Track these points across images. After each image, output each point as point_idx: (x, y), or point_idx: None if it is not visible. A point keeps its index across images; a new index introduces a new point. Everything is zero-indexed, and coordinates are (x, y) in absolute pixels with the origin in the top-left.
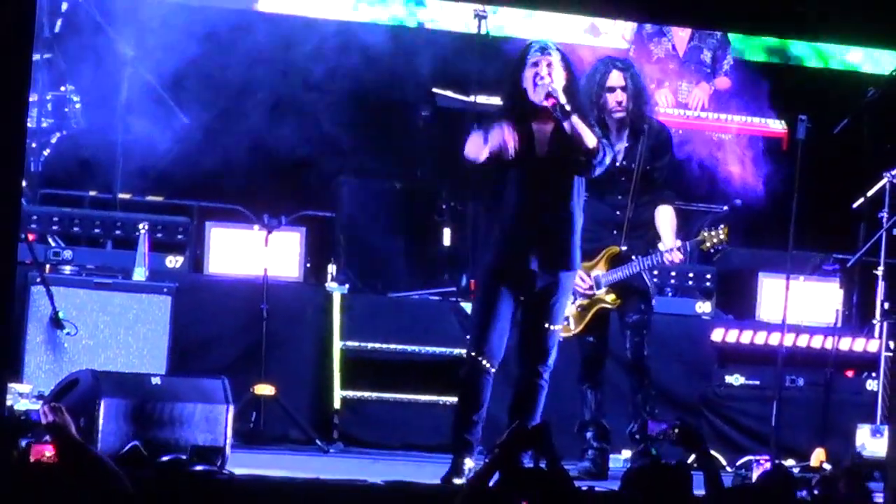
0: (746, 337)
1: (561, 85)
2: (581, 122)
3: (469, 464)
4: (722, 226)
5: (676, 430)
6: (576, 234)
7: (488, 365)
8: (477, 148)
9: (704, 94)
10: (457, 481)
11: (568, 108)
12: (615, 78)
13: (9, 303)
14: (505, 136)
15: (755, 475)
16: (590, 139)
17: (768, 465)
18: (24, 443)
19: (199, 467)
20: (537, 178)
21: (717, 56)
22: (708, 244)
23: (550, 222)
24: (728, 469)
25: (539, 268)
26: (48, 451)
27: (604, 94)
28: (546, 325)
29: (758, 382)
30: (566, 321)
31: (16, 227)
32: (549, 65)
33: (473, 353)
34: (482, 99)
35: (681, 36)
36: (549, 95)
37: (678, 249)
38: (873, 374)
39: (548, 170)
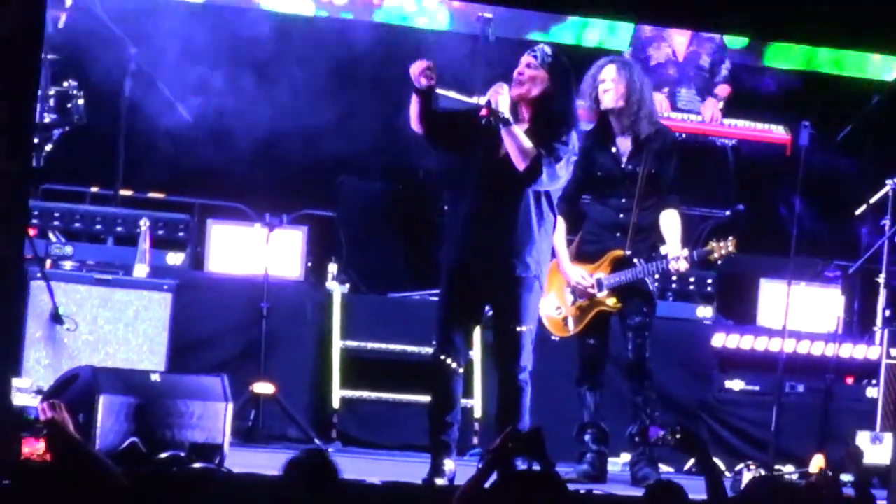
0: (747, 342)
1: (524, 91)
2: (517, 136)
3: (449, 465)
4: (731, 238)
5: (677, 435)
6: (534, 234)
7: (455, 365)
8: (413, 116)
9: (715, 108)
10: (438, 482)
11: (506, 116)
12: (606, 71)
13: (15, 301)
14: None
15: (744, 481)
16: (519, 158)
17: (761, 471)
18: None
19: (197, 465)
20: (493, 179)
21: (716, 61)
22: (716, 255)
23: (506, 223)
24: (727, 474)
25: (497, 268)
26: (39, 446)
27: (597, 86)
28: (512, 327)
29: (758, 388)
30: (565, 323)
31: (24, 222)
32: (528, 65)
33: (438, 355)
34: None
35: (680, 41)
36: (486, 105)
37: (685, 258)
38: (873, 382)
39: (504, 172)
